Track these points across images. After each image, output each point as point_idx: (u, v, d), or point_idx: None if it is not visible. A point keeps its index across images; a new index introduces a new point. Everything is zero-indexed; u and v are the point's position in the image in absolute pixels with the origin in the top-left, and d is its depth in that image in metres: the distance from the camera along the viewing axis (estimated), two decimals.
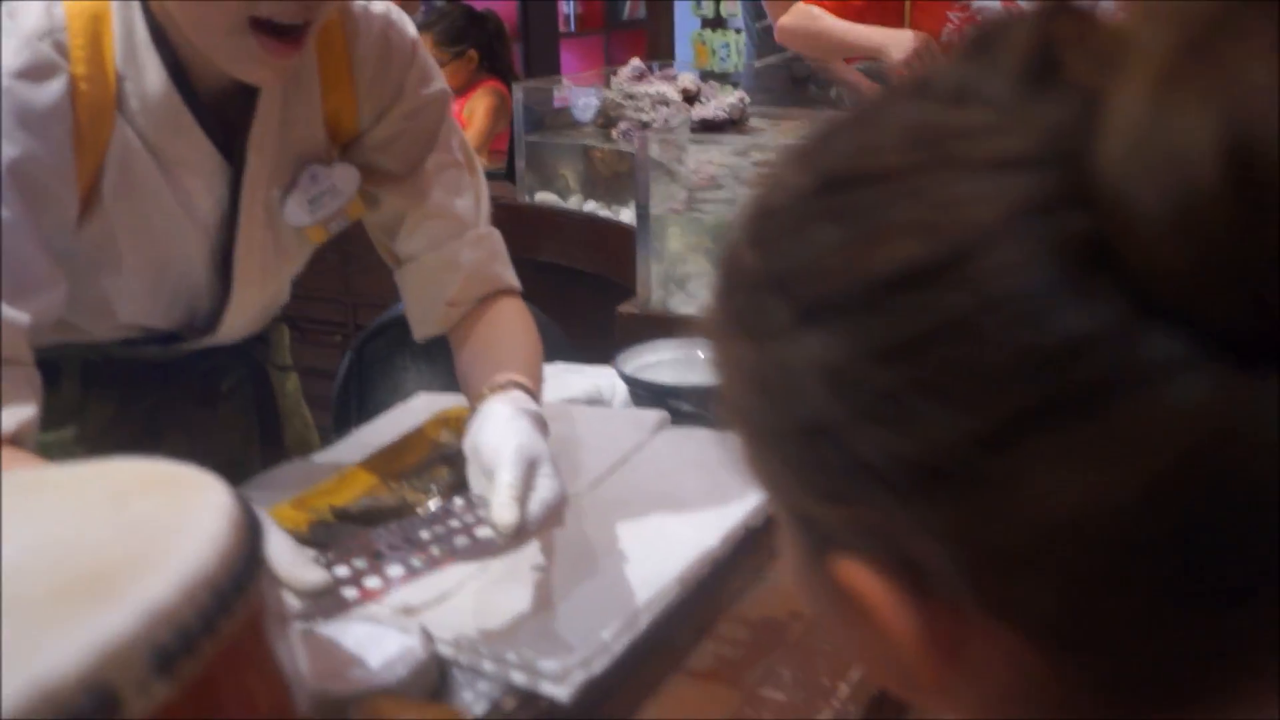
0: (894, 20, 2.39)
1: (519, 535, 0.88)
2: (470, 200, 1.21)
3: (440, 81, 1.21)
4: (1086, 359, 0.29)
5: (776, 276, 0.35)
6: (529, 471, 0.91)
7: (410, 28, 1.19)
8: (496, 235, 1.24)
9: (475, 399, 1.06)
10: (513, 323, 1.21)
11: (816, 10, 2.48)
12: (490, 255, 1.22)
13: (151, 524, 0.52)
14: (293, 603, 0.81)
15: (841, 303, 0.33)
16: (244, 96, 1.08)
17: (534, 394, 1.08)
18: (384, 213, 1.20)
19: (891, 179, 0.33)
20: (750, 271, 0.36)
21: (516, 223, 2.55)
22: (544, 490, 0.91)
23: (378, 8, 1.15)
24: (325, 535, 1.04)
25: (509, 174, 2.65)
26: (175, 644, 0.45)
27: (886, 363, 0.32)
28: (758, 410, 0.37)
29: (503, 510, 0.87)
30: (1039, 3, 0.34)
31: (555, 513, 0.93)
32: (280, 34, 0.96)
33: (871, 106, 0.36)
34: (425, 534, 0.90)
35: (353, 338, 2.11)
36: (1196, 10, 0.30)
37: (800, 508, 0.37)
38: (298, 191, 1.13)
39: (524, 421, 0.98)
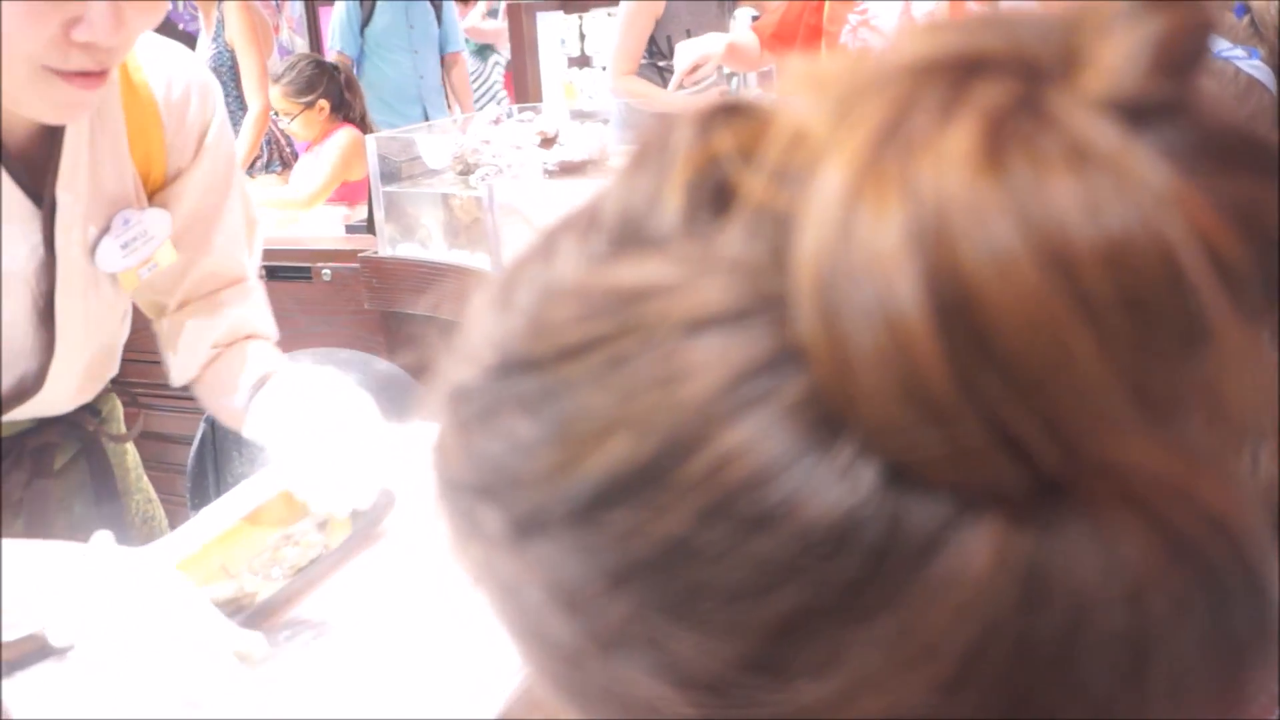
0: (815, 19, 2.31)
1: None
2: (247, 254, 1.26)
3: (231, 145, 1.23)
4: (845, 551, 0.24)
5: (481, 479, 0.29)
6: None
7: (214, 91, 1.20)
8: (261, 288, 1.30)
9: (244, 403, 1.13)
10: (258, 344, 1.25)
11: (640, 88, 2.66)
12: (254, 305, 1.27)
13: None
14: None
15: (556, 517, 0.27)
16: (48, 139, 1.06)
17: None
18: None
19: (575, 358, 0.27)
20: (455, 466, 0.30)
21: (379, 276, 2.50)
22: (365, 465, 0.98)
23: (187, 69, 1.16)
24: None
25: (371, 226, 2.59)
26: None
27: (622, 587, 0.26)
28: (499, 614, 0.31)
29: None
30: (704, 107, 0.28)
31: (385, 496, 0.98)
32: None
33: (545, 242, 0.30)
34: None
35: None
36: (877, 106, 0.25)
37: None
38: (110, 236, 1.12)
39: (325, 383, 1.04)
